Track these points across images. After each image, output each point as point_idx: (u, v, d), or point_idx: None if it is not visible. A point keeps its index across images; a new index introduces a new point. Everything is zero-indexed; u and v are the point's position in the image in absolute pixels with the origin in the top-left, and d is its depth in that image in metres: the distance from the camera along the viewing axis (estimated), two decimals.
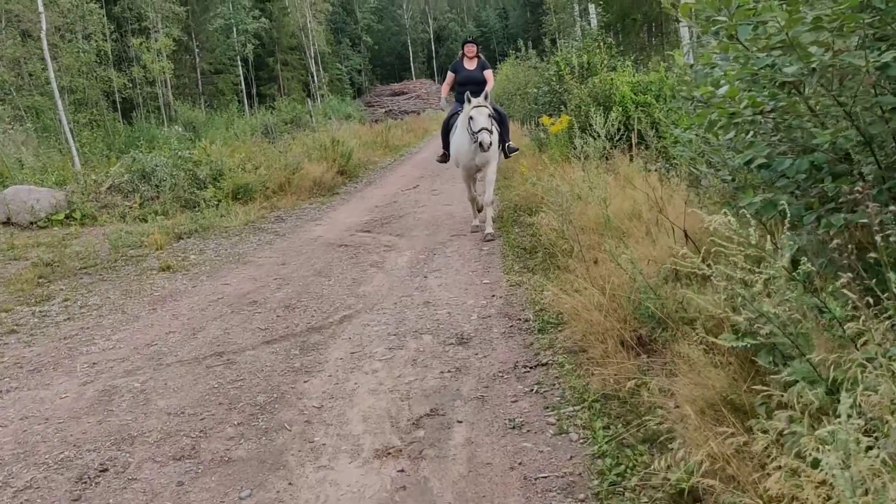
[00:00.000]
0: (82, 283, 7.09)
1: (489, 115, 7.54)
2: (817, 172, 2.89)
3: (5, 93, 22.69)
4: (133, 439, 3.45)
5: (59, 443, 3.47)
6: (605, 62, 12.77)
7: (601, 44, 13.34)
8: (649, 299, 3.32)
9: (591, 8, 22.72)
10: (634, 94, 10.48)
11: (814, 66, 2.33)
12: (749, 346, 2.05)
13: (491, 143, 7.40)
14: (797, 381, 2.21)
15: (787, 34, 2.37)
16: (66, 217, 10.93)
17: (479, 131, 7.36)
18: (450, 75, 8.91)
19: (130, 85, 32.60)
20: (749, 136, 2.88)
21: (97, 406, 3.90)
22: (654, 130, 8.96)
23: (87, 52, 26.36)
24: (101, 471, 3.15)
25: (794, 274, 2.05)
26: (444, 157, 8.78)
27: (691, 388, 2.58)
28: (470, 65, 8.74)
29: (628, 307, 3.71)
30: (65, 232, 10.03)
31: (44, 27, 18.14)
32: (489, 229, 7.77)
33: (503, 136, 8.26)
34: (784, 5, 2.54)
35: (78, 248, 8.64)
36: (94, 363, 4.63)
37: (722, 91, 2.81)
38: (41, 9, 18.34)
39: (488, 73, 8.76)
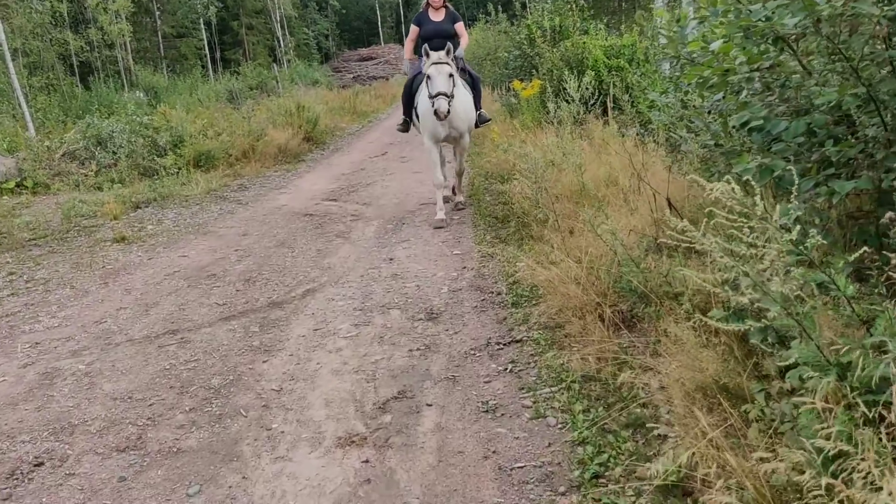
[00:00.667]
0: (30, 255, 6.70)
1: (450, 75, 6.29)
2: (813, 136, 2.68)
3: None
4: (74, 428, 3.16)
5: None
6: (578, 25, 12.47)
7: (573, 6, 13.02)
8: (631, 273, 3.10)
9: None
10: (607, 57, 10.22)
11: (824, 15, 2.08)
12: (750, 328, 1.84)
13: (449, 112, 6.19)
14: (798, 365, 2.01)
15: None
16: (17, 185, 10.42)
17: (436, 96, 6.18)
18: (412, 29, 7.46)
19: (88, 48, 31.54)
20: (742, 96, 2.64)
21: (37, 391, 3.60)
22: (627, 95, 8.74)
23: (41, 13, 25.31)
24: (35, 465, 2.87)
25: (800, 248, 1.83)
26: (406, 125, 7.44)
27: (680, 370, 2.37)
28: (437, 16, 7.30)
29: (608, 280, 3.50)
30: (15, 201, 9.54)
31: None
32: (460, 197, 7.30)
33: (476, 103, 7.18)
34: None
35: (28, 219, 8.20)
36: (36, 343, 4.31)
37: (714, 46, 2.56)
38: None
39: (460, 27, 7.33)
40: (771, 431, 1.90)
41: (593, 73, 9.11)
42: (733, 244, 1.77)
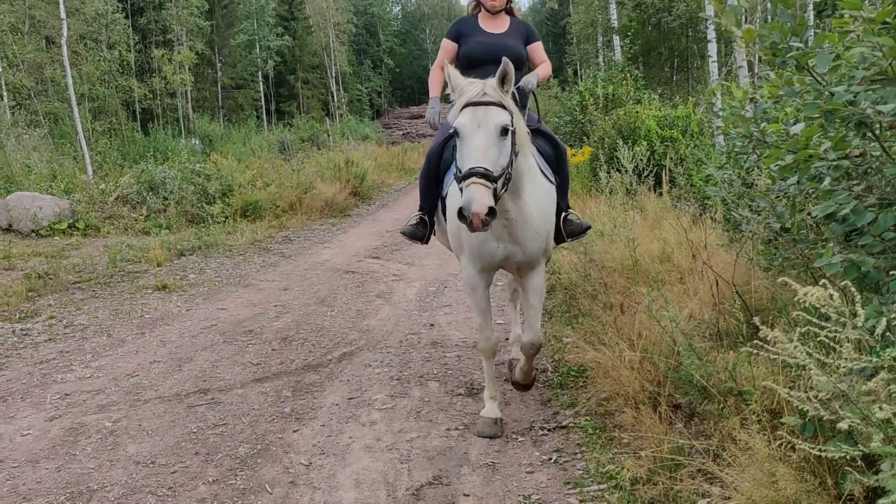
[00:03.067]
0: (73, 299, 6.70)
1: (504, 131, 3.02)
2: None
3: (24, 97, 22.63)
4: (92, 494, 3.01)
5: (7, 492, 3.04)
6: (631, 94, 12.42)
7: (627, 76, 13.00)
8: (693, 365, 2.87)
9: (616, 40, 22.45)
10: (660, 128, 10.09)
11: None
12: (847, 455, 1.60)
13: (492, 217, 2.83)
14: (890, 492, 1.76)
15: (890, 64, 1.95)
16: (69, 227, 10.60)
17: (467, 178, 2.88)
18: (445, 46, 3.99)
19: (150, 96, 32.68)
20: (825, 183, 2.44)
21: (60, 448, 3.47)
22: (681, 167, 8.56)
23: (109, 61, 26.36)
24: None
25: None
26: (421, 228, 3.97)
27: (751, 486, 2.12)
28: (493, 25, 3.96)
29: (664, 368, 3.26)
30: (65, 242, 9.69)
31: (64, 33, 18.03)
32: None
33: (560, 199, 3.76)
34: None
35: (76, 261, 8.27)
36: (66, 394, 4.21)
37: (796, 129, 2.38)
38: (63, 15, 18.26)
39: (537, 50, 4.02)
40: None
41: (646, 144, 8.98)
42: (830, 357, 1.56)
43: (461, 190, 2.90)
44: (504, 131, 2.99)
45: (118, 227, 10.79)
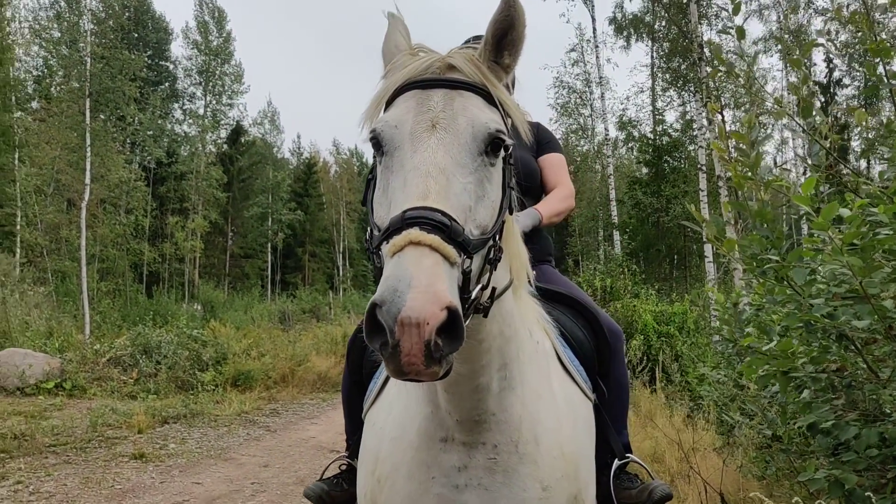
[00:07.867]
0: (45, 463, 6.46)
1: (487, 142, 1.42)
2: (886, 445, 2.41)
3: (36, 255, 23.20)
4: None
5: None
6: (629, 288, 12.67)
7: (626, 269, 13.35)
8: None
9: (616, 234, 23.30)
10: (657, 323, 10.20)
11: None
12: None
13: (447, 341, 1.16)
14: None
15: (861, 283, 2.02)
16: (56, 386, 10.45)
17: (397, 235, 1.25)
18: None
19: (160, 260, 33.53)
20: (805, 394, 2.44)
21: None
22: (676, 363, 8.55)
23: (125, 225, 27.29)
24: None
25: None
26: (338, 486, 2.25)
27: None
28: None
29: None
30: (49, 402, 9.50)
31: (86, 198, 18.85)
32: None
33: (604, 425, 2.12)
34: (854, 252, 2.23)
35: (56, 422, 8.07)
36: None
37: (771, 346, 2.42)
38: (88, 181, 19.20)
39: (553, 163, 2.72)
40: None
41: (642, 338, 9.04)
42: None
43: (380, 267, 1.31)
44: (492, 145, 1.44)
45: (105, 390, 10.62)
